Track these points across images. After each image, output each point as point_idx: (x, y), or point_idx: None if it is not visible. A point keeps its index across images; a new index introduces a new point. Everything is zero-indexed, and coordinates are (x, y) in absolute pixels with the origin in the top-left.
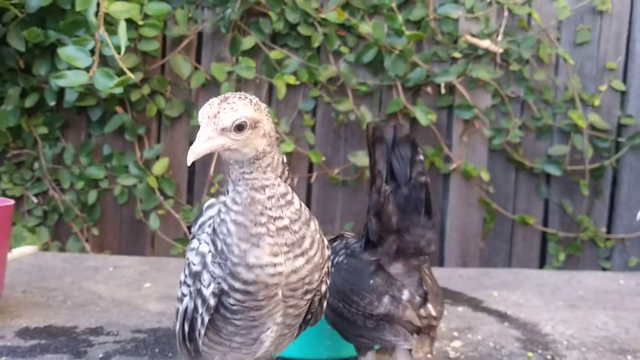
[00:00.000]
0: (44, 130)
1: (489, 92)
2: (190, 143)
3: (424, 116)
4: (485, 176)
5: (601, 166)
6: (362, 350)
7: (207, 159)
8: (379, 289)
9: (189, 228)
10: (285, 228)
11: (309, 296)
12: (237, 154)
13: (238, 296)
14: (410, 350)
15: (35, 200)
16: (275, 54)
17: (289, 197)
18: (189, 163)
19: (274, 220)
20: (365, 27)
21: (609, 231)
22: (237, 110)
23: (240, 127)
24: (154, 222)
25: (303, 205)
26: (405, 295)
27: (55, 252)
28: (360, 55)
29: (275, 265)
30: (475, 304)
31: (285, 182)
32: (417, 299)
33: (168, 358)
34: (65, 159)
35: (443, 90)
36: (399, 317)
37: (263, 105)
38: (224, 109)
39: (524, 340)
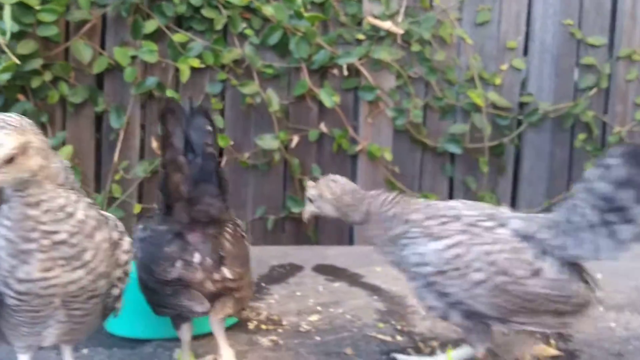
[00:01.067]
0: None
1: (392, 73)
2: (96, 130)
3: (329, 98)
4: (389, 156)
5: (500, 144)
6: (176, 323)
7: (112, 144)
8: (173, 255)
9: None
10: (63, 242)
11: (95, 300)
12: (13, 182)
13: (14, 301)
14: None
15: None
16: (178, 37)
17: (69, 209)
18: None
19: (49, 234)
20: (269, 9)
21: (512, 207)
22: (3, 145)
23: (10, 160)
24: None
25: (90, 214)
26: (197, 258)
27: None
28: (266, 37)
29: (47, 279)
30: (354, 279)
31: (69, 188)
32: (209, 261)
33: None
34: None
35: (346, 72)
36: (190, 279)
37: (25, 121)
38: None
39: (383, 312)
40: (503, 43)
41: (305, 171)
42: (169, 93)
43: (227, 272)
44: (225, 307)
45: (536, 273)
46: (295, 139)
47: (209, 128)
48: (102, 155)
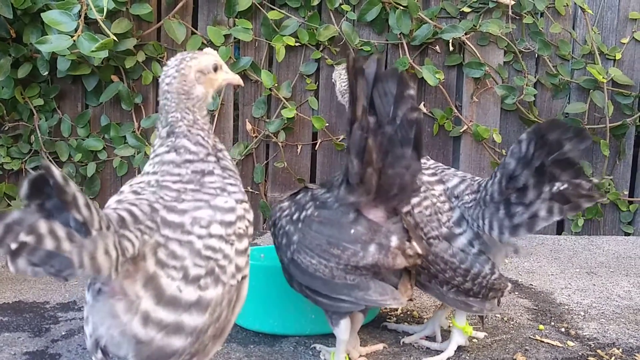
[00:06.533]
0: (39, 101)
1: (501, 48)
2: None
3: (432, 76)
4: (498, 138)
5: (623, 124)
6: (334, 319)
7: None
8: (363, 237)
9: None
10: None
11: None
12: None
13: None
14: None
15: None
16: (273, 14)
17: None
18: None
19: None
20: None
21: (631, 194)
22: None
23: None
24: None
25: None
26: (394, 241)
27: None
28: (363, 13)
29: None
30: None
31: None
32: (407, 244)
33: None
34: (62, 130)
35: (452, 48)
36: (389, 266)
37: None
38: None
39: (535, 311)
40: (624, 14)
41: None
42: (264, 74)
43: (417, 247)
44: (407, 287)
45: (447, 238)
46: None
47: (411, 92)
48: None
